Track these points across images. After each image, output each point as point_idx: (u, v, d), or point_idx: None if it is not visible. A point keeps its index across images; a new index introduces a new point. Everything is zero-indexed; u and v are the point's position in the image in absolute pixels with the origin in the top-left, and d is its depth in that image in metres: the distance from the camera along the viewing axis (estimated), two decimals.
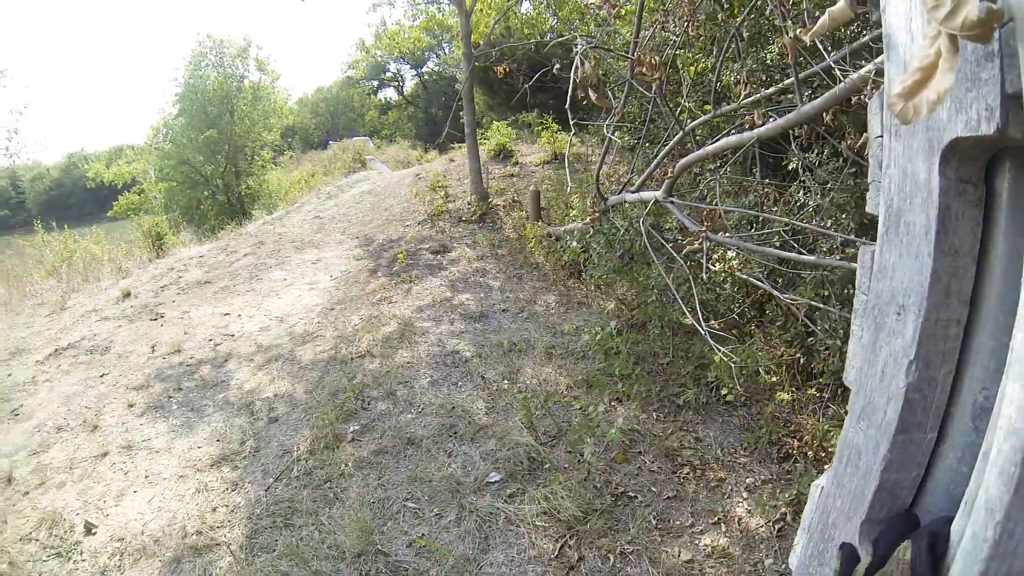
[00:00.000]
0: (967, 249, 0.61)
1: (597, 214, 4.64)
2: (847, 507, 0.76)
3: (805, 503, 0.89)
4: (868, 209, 0.76)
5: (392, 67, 32.59)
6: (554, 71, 3.64)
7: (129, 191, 17.77)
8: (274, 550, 3.46)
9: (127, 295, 8.32)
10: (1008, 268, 0.59)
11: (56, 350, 6.65)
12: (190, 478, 4.23)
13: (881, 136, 0.71)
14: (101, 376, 5.93)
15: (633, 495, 3.76)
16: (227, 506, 3.91)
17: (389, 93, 35.21)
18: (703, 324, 3.57)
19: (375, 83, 34.13)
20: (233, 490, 4.07)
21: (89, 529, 3.79)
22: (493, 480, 3.92)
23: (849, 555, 0.71)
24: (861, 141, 3.21)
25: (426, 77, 31.57)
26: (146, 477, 4.29)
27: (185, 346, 6.44)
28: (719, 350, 3.56)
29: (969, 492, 0.53)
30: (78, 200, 47.26)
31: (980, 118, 0.53)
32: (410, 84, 33.84)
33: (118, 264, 10.54)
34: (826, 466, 0.83)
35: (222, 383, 5.57)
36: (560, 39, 5.64)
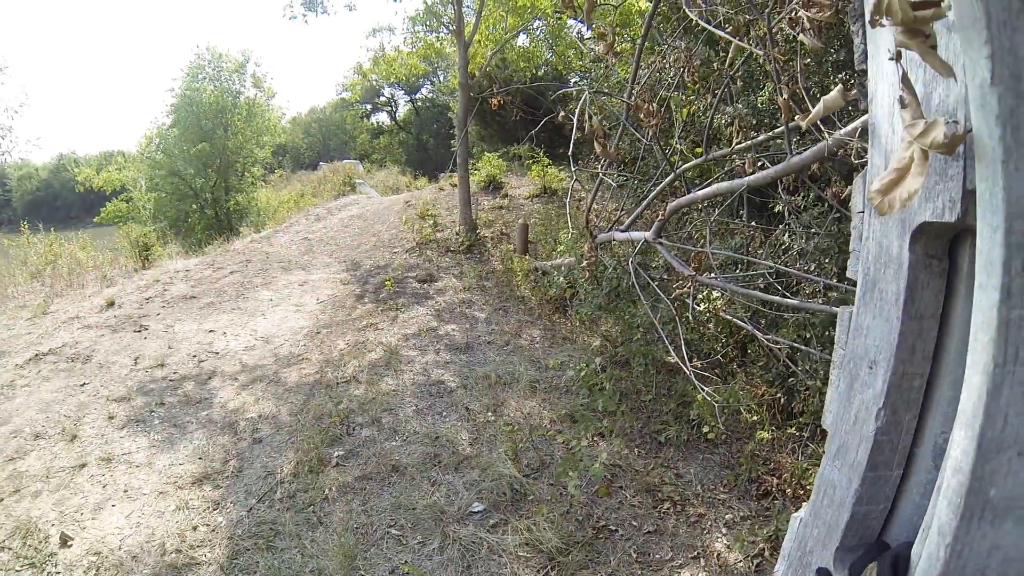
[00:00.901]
0: (931, 314, 0.71)
1: (593, 257, 4.74)
2: (823, 536, 0.85)
3: (783, 539, 0.98)
4: (848, 275, 0.86)
5: (386, 92, 32.71)
6: (559, 118, 3.77)
7: (117, 198, 17.48)
8: (255, 572, 3.45)
9: (111, 304, 8.24)
10: (966, 331, 0.68)
11: (36, 355, 6.56)
12: (170, 495, 4.19)
13: (862, 212, 0.82)
14: (82, 385, 5.86)
15: (614, 528, 3.81)
16: (208, 525, 3.89)
17: (382, 117, 35.25)
18: (687, 363, 3.66)
19: (368, 107, 34.22)
20: (215, 509, 4.04)
21: (65, 541, 3.74)
22: (476, 510, 3.95)
23: None
24: (846, 193, 3.35)
25: (419, 104, 31.72)
26: (125, 491, 4.24)
27: (169, 360, 6.40)
28: (702, 389, 3.64)
29: (926, 520, 0.62)
30: (65, 203, 46.26)
31: (944, 208, 0.63)
32: (403, 110, 33.97)
33: (103, 272, 10.38)
34: (804, 503, 0.92)
35: (205, 400, 5.54)
36: (565, 89, 5.83)
